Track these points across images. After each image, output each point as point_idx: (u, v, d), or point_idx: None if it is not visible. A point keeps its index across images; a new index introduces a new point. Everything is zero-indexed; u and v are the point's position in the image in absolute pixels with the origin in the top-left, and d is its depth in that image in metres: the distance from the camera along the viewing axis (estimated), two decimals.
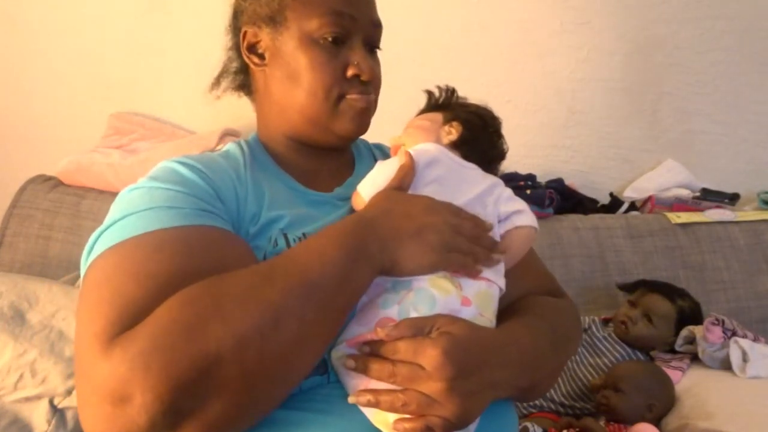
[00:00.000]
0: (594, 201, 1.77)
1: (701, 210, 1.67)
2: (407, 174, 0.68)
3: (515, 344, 0.64)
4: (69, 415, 1.07)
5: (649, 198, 1.75)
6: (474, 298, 0.64)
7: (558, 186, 1.69)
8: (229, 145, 0.77)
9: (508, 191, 0.75)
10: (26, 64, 1.76)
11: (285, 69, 0.73)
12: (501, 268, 0.69)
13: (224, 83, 0.84)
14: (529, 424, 1.12)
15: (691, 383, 1.22)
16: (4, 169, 1.77)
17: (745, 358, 1.22)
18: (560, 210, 1.66)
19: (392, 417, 0.56)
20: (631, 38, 1.79)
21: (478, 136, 0.76)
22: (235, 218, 0.66)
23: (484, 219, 0.69)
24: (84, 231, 1.52)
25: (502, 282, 0.69)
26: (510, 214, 0.73)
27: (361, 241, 0.59)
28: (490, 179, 0.75)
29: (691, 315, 1.36)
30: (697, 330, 1.30)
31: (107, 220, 0.59)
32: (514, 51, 1.79)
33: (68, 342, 1.11)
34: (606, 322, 1.43)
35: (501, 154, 0.80)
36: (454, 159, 0.74)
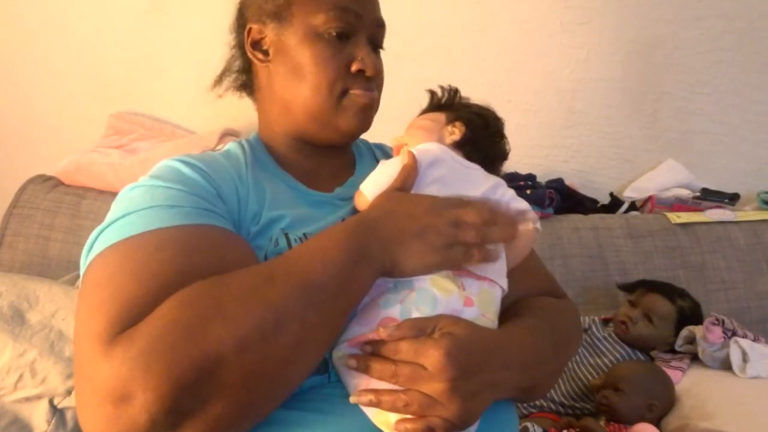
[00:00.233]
0: (594, 201, 1.77)
1: (701, 210, 1.66)
2: (410, 174, 0.68)
3: (516, 345, 0.64)
4: (69, 415, 1.06)
5: (649, 198, 1.74)
6: (476, 298, 0.63)
7: (558, 186, 1.68)
8: (230, 145, 0.77)
9: (511, 192, 0.75)
10: (26, 64, 1.76)
11: (289, 64, 0.73)
12: (503, 268, 0.69)
13: (226, 82, 0.84)
14: (529, 424, 1.12)
15: (691, 383, 1.22)
16: (4, 169, 1.77)
17: (745, 358, 1.21)
18: (560, 210, 1.66)
19: (393, 417, 0.56)
20: (631, 38, 1.78)
21: (481, 136, 0.76)
22: (236, 218, 0.66)
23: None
24: (84, 231, 1.51)
25: (504, 282, 0.68)
26: None
27: (363, 243, 0.59)
28: (493, 179, 0.75)
29: (691, 315, 1.36)
30: (697, 330, 1.30)
31: (108, 219, 0.59)
32: (514, 51, 1.78)
33: (68, 342, 1.11)
34: (606, 322, 1.43)
35: (503, 155, 0.80)
36: (457, 159, 0.74)
